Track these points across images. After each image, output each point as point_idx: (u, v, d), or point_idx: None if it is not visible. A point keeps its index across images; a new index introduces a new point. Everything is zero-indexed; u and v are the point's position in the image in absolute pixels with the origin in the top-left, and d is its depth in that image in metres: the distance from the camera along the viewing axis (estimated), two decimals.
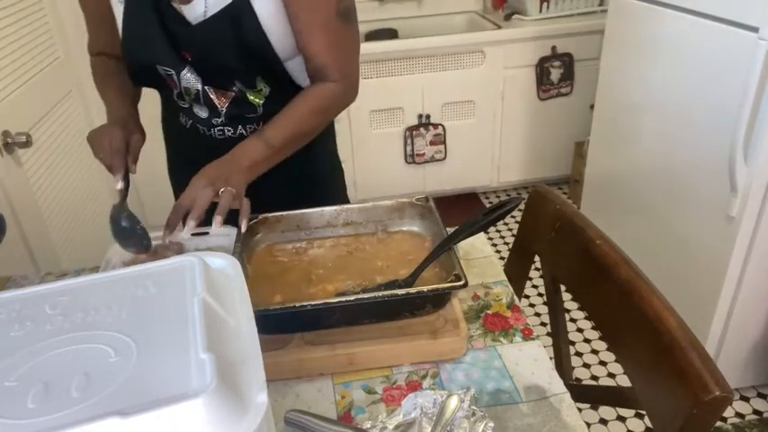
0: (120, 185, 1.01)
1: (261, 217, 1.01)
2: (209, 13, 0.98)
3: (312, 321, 0.86)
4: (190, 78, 1.04)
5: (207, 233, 1.04)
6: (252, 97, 1.07)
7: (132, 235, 0.98)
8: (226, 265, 0.63)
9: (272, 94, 1.07)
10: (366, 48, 2.41)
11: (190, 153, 1.14)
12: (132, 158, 1.04)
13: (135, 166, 1.04)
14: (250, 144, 0.99)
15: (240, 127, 1.10)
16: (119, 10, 1.02)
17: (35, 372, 0.48)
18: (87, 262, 1.19)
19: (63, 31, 2.15)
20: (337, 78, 1.03)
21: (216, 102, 1.07)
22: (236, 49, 1.00)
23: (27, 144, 1.63)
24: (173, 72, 1.04)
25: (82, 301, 0.57)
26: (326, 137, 1.21)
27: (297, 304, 0.80)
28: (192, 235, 1.04)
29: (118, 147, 1.02)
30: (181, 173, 1.23)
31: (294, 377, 0.84)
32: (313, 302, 0.80)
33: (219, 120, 1.09)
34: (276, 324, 0.84)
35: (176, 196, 1.31)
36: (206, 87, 1.05)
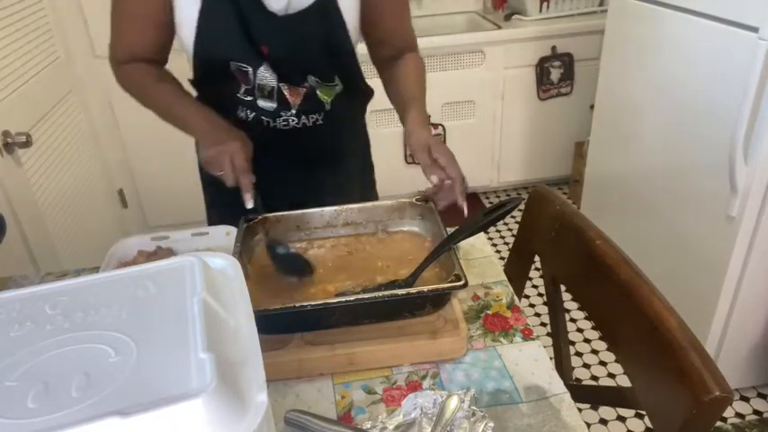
0: (250, 204, 0.96)
1: (261, 217, 1.01)
2: (294, 7, 0.99)
3: (312, 321, 0.85)
4: (266, 75, 1.04)
5: (207, 233, 1.04)
6: (321, 94, 1.09)
7: (292, 260, 0.97)
8: (226, 265, 0.63)
9: (342, 92, 1.13)
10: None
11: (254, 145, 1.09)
12: (244, 184, 0.96)
13: (249, 202, 0.97)
14: (415, 110, 1.05)
15: (304, 117, 1.11)
16: (190, 9, 0.99)
17: (35, 371, 0.48)
18: (87, 262, 1.19)
19: (63, 31, 2.15)
20: (417, 47, 1.19)
21: (289, 98, 1.08)
22: (320, 45, 1.03)
23: (27, 144, 1.63)
24: (249, 69, 1.03)
25: (82, 301, 0.57)
26: (363, 138, 1.30)
27: (297, 304, 0.80)
28: (192, 235, 1.04)
29: (242, 166, 0.95)
30: None
31: (294, 377, 0.84)
32: (313, 302, 0.80)
33: (288, 113, 1.10)
34: (276, 324, 0.84)
35: (210, 195, 1.30)
36: (281, 84, 1.06)
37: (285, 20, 1.00)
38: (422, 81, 1.14)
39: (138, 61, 1.07)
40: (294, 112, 1.10)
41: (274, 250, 0.96)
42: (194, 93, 1.15)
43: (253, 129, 1.09)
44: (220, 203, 1.22)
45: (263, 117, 1.10)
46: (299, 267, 0.95)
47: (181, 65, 1.10)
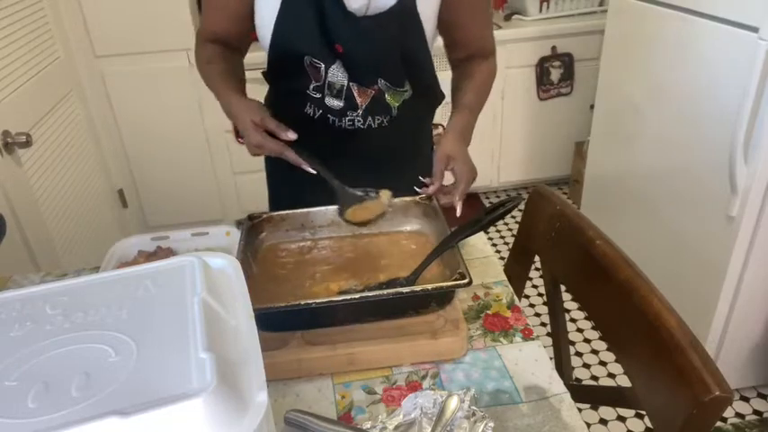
0: (309, 169, 0.97)
1: (266, 216, 1.02)
2: (373, 9, 1.00)
3: (316, 319, 0.86)
4: (337, 73, 1.05)
5: (207, 233, 1.04)
6: (389, 98, 1.10)
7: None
8: (226, 265, 0.63)
9: (411, 98, 1.13)
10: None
11: (314, 143, 1.09)
12: (280, 132, 0.97)
13: (290, 132, 0.97)
14: (460, 116, 1.09)
15: (370, 118, 1.11)
16: (272, 3, 1.01)
17: (35, 371, 0.48)
18: (87, 262, 1.19)
19: (63, 31, 2.15)
20: (494, 53, 1.19)
21: (357, 99, 1.08)
22: (395, 49, 1.04)
23: (27, 144, 1.63)
24: (321, 65, 1.04)
25: (82, 301, 0.57)
26: (427, 141, 1.32)
27: (302, 302, 0.80)
28: (192, 235, 1.04)
29: (276, 146, 0.96)
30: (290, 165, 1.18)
31: (294, 377, 0.84)
32: (318, 300, 0.81)
33: (355, 113, 1.10)
34: (281, 322, 0.84)
35: (274, 191, 1.31)
36: (351, 84, 1.06)
37: (362, 21, 1.00)
38: (483, 90, 1.15)
39: (218, 43, 1.11)
40: (360, 112, 1.10)
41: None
42: (266, 86, 1.18)
43: (318, 126, 1.11)
44: (289, 182, 1.22)
45: (329, 115, 1.10)
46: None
47: (262, 56, 1.12)
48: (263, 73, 1.15)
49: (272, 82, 1.17)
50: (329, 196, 1.00)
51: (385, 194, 0.98)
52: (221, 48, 1.12)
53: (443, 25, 1.11)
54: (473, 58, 1.17)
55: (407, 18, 1.03)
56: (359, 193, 0.98)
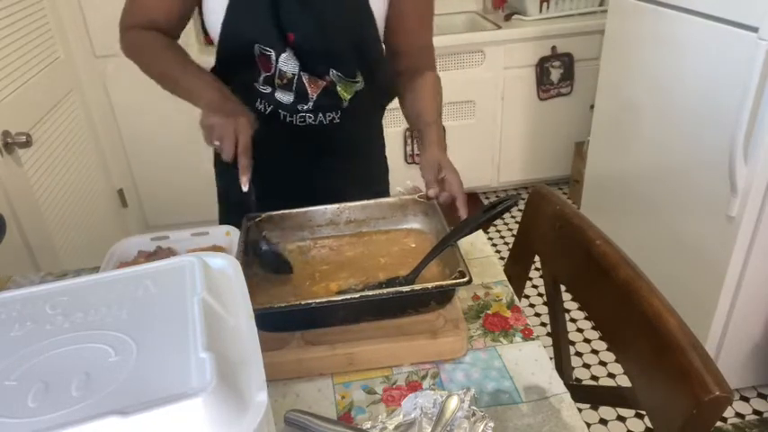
0: (245, 187, 0.91)
1: (265, 215, 1.02)
2: None
3: (317, 319, 0.86)
4: (288, 62, 1.04)
5: (207, 233, 1.04)
6: (341, 90, 1.09)
7: (274, 258, 0.96)
8: (226, 265, 0.63)
9: (362, 90, 1.12)
10: None
11: (265, 139, 1.05)
12: (243, 170, 0.92)
13: (245, 177, 0.92)
14: (430, 130, 1.07)
15: (321, 115, 1.11)
16: None
17: (35, 371, 0.48)
18: (87, 262, 1.19)
19: (63, 31, 2.15)
20: (434, 68, 1.18)
21: (308, 89, 1.07)
22: (347, 37, 1.04)
23: (27, 144, 1.63)
24: (272, 53, 1.03)
25: (82, 300, 0.57)
26: (379, 139, 1.30)
27: (302, 301, 0.80)
28: (192, 235, 1.04)
29: (245, 143, 0.91)
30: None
31: (294, 377, 0.84)
32: (317, 300, 0.81)
33: (305, 106, 1.09)
34: (282, 321, 0.84)
35: (222, 190, 1.30)
36: (302, 73, 1.05)
37: (313, 7, 1.00)
38: (440, 101, 1.15)
39: (149, 29, 1.05)
40: (311, 106, 1.09)
41: (258, 248, 0.96)
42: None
43: (269, 124, 1.09)
44: (233, 195, 1.22)
45: (280, 110, 1.10)
46: (278, 266, 0.96)
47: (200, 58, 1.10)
48: (211, 69, 1.12)
49: (220, 75, 1.11)
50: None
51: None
52: (161, 35, 1.06)
53: (388, 29, 1.11)
54: (418, 69, 1.16)
55: (360, 9, 1.04)
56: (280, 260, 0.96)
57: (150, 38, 1.05)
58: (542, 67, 2.69)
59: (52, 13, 2.04)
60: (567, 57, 2.69)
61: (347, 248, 1.02)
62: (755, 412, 1.81)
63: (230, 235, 1.04)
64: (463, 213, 0.96)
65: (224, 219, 1.28)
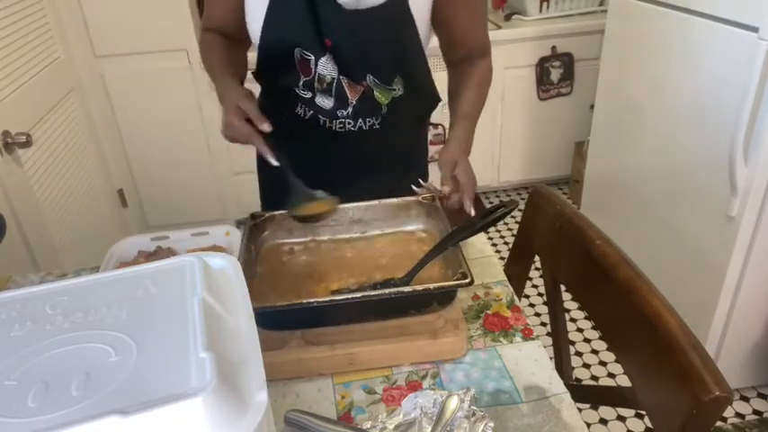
0: (275, 162, 0.98)
1: (268, 215, 1.02)
2: (364, 3, 1.00)
3: (317, 318, 0.86)
4: (327, 66, 1.05)
5: (207, 233, 1.04)
6: (378, 95, 1.09)
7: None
8: (226, 265, 0.63)
9: (401, 97, 1.12)
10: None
11: (305, 144, 1.13)
12: (258, 121, 0.97)
13: (266, 124, 0.98)
14: (460, 126, 1.09)
15: (360, 120, 1.11)
16: None
17: (35, 371, 0.48)
18: (87, 262, 1.19)
19: (63, 31, 2.15)
20: (489, 52, 1.17)
21: (348, 93, 1.08)
22: (384, 44, 1.04)
23: (27, 144, 1.63)
24: (311, 57, 1.04)
25: (82, 300, 0.57)
26: (421, 146, 1.31)
27: (303, 301, 0.80)
28: (192, 235, 1.04)
29: (256, 114, 0.97)
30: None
31: (294, 377, 0.84)
32: (319, 299, 0.81)
33: (345, 112, 1.10)
34: (283, 321, 0.84)
35: (266, 192, 1.32)
36: (341, 77, 1.06)
37: (353, 14, 1.00)
38: (481, 94, 1.15)
39: (218, 33, 1.14)
40: (350, 111, 1.09)
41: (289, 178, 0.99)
42: (257, 86, 1.18)
43: (309, 129, 1.11)
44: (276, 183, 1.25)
45: (320, 116, 1.10)
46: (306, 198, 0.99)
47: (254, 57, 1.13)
48: (253, 73, 1.15)
49: (262, 80, 1.17)
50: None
51: (334, 200, 1.01)
52: (223, 38, 1.13)
53: (437, 24, 1.10)
54: (469, 58, 1.16)
55: (398, 14, 1.03)
56: (312, 192, 1.00)
57: (211, 40, 1.14)
58: (542, 67, 2.69)
59: (52, 13, 2.04)
60: (567, 57, 2.69)
61: (349, 249, 1.02)
62: (755, 412, 1.81)
63: (230, 235, 1.04)
64: (469, 210, 0.96)
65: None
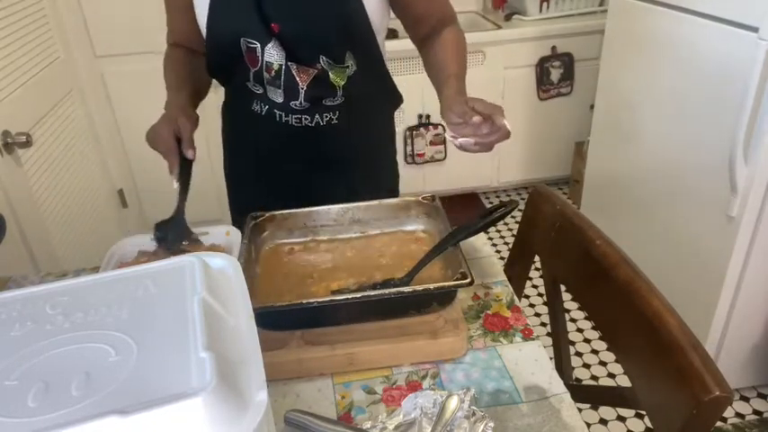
0: (175, 185, 1.00)
1: (268, 215, 1.02)
2: None
3: (317, 318, 0.86)
4: (274, 53, 1.04)
5: (207, 233, 1.04)
6: (334, 76, 1.07)
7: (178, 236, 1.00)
8: (226, 265, 0.63)
9: (356, 74, 1.10)
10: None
11: (265, 143, 1.14)
12: (186, 144, 1.02)
13: (191, 151, 1.03)
14: (450, 83, 1.02)
15: (317, 116, 1.11)
16: None
17: (35, 371, 0.48)
18: (87, 262, 1.19)
19: (63, 31, 2.15)
20: (456, 20, 1.15)
21: (297, 79, 1.06)
22: (332, 20, 1.02)
23: (27, 144, 1.63)
24: (257, 45, 1.03)
25: (82, 300, 0.57)
26: (386, 136, 1.29)
27: (304, 301, 0.80)
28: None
29: (170, 144, 1.01)
30: (246, 167, 1.25)
31: (294, 377, 0.84)
32: (319, 299, 0.81)
33: (297, 102, 1.09)
34: (283, 321, 0.84)
35: (233, 194, 1.35)
36: (289, 63, 1.04)
37: None
38: (460, 55, 1.10)
39: (181, 47, 1.17)
40: (302, 100, 1.08)
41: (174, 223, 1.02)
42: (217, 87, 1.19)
43: (267, 126, 1.11)
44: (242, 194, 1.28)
45: (275, 111, 1.10)
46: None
47: None
48: (209, 72, 1.15)
49: (218, 77, 1.17)
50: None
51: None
52: (183, 51, 1.16)
53: (399, 4, 1.09)
54: (438, 30, 1.13)
55: None
56: (189, 232, 1.01)
57: (173, 55, 1.17)
58: (542, 67, 2.69)
59: (52, 13, 2.04)
60: (567, 57, 2.69)
61: (349, 249, 1.02)
62: (755, 412, 1.81)
63: (230, 235, 1.03)
64: (499, 122, 0.86)
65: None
